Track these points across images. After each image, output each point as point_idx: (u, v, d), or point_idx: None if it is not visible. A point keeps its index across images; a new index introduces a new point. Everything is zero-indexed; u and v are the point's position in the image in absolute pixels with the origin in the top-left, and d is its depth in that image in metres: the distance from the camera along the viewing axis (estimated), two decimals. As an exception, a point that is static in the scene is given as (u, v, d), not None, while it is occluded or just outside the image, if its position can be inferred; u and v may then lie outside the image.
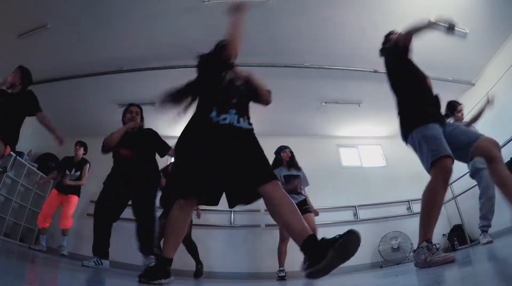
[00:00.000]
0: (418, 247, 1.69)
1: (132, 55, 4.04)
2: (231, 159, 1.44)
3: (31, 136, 5.00)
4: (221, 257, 4.54)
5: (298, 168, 3.74)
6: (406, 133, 1.93)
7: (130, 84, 4.50)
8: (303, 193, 3.65)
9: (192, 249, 3.65)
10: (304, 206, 3.55)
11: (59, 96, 4.69)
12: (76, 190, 4.17)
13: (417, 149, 1.86)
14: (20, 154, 4.46)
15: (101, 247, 2.62)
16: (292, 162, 3.72)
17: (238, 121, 1.53)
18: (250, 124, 1.61)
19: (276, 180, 1.42)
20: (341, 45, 3.95)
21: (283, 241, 3.50)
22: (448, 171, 1.70)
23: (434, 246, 1.64)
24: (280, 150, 3.79)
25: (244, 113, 1.61)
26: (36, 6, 3.33)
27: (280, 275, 3.43)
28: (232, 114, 1.53)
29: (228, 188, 1.49)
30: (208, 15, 3.47)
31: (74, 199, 4.15)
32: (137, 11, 3.45)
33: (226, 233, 4.86)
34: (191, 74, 1.76)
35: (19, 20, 3.48)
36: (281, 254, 3.51)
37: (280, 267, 3.49)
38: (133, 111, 2.92)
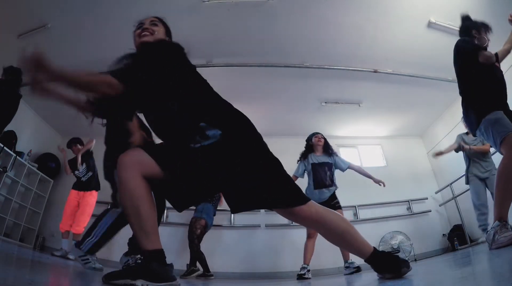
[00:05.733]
0: (491, 227, 1.66)
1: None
2: None
3: (31, 136, 5.01)
4: (221, 257, 4.54)
5: (330, 154, 3.59)
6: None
7: (130, 84, 4.50)
8: (335, 183, 3.48)
9: (200, 259, 3.69)
10: (333, 201, 3.38)
11: (59, 96, 4.69)
12: (91, 184, 4.06)
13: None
14: (20, 154, 4.46)
15: (100, 248, 2.49)
16: (326, 147, 3.59)
17: None
18: None
19: None
20: (341, 45, 3.95)
21: (310, 238, 3.28)
22: None
23: (507, 225, 1.58)
24: (312, 135, 3.68)
25: None
26: (36, 6, 3.32)
27: (300, 273, 3.15)
28: None
29: None
30: (208, 15, 3.47)
31: (92, 197, 4.03)
32: (137, 11, 3.44)
33: (226, 233, 4.86)
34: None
35: (19, 20, 3.48)
36: (307, 251, 3.27)
37: (303, 263, 3.22)
38: None
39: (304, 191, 1.37)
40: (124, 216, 2.44)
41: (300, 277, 3.11)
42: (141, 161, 1.11)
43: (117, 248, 4.51)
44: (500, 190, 1.67)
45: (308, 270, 3.15)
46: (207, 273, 3.67)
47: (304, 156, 3.61)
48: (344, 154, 5.90)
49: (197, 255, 3.66)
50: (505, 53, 2.09)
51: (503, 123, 1.74)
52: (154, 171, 1.12)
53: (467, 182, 3.52)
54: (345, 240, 1.23)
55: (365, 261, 1.22)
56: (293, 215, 1.19)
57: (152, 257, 1.06)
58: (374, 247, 1.22)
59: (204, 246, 4.12)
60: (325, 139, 3.67)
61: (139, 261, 1.07)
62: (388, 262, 1.18)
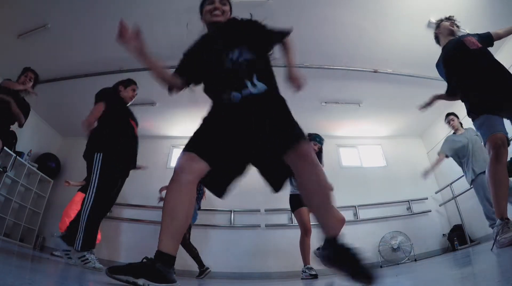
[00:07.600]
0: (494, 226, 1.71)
1: (132, 55, 4.04)
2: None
3: (31, 136, 5.01)
4: (221, 257, 4.54)
5: (320, 161, 3.52)
6: None
7: (130, 84, 4.50)
8: None
9: (193, 253, 3.61)
10: None
11: (59, 96, 4.68)
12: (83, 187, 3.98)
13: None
14: (20, 154, 4.46)
15: (93, 240, 2.43)
16: (319, 153, 3.53)
17: None
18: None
19: None
20: (341, 45, 3.95)
21: (307, 235, 3.13)
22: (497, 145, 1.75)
23: (509, 224, 1.62)
24: (312, 139, 3.46)
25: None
26: (36, 6, 3.33)
27: (311, 273, 3.01)
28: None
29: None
30: (208, 15, 3.47)
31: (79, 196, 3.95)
32: (137, 11, 3.45)
33: (226, 233, 4.86)
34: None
35: (19, 20, 3.48)
36: (305, 249, 3.13)
37: (306, 264, 3.10)
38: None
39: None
40: (98, 202, 2.38)
41: (314, 277, 2.98)
42: (197, 167, 1.20)
43: (121, 249, 4.52)
44: (492, 192, 1.77)
45: (312, 268, 3.08)
46: (201, 269, 3.61)
47: None
48: (344, 154, 5.92)
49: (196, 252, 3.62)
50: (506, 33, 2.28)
51: (487, 125, 1.86)
52: (205, 172, 1.22)
53: None
54: (328, 198, 1.15)
55: (325, 240, 1.09)
56: (300, 156, 1.18)
57: (160, 258, 1.07)
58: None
59: (204, 246, 4.13)
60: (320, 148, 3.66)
61: (145, 260, 1.07)
62: (344, 258, 1.01)
